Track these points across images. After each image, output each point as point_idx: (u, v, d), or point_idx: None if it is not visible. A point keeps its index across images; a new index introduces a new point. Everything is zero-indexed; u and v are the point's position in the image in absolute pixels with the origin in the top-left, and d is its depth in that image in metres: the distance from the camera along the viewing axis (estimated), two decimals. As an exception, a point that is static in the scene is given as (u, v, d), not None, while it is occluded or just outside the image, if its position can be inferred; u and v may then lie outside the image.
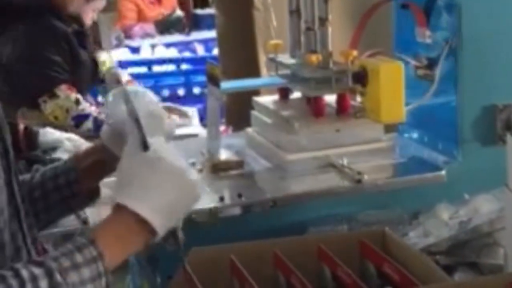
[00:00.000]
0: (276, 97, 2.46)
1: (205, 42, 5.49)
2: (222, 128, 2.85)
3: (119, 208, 1.29)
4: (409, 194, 2.19)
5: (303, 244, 1.74)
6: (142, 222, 1.28)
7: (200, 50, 5.33)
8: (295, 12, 2.38)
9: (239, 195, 2.07)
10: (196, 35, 5.94)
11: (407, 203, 2.16)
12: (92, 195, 1.66)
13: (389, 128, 2.39)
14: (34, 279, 1.16)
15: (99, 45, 5.38)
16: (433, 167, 2.25)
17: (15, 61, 3.18)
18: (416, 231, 2.02)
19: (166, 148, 1.35)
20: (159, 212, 1.29)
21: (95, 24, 6.65)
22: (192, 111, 3.47)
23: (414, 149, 2.41)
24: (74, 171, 1.62)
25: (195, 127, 3.26)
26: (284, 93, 2.44)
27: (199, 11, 6.88)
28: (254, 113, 2.46)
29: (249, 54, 3.27)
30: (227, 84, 2.35)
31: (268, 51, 2.55)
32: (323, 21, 2.26)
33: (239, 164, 2.26)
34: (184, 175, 1.32)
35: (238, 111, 2.69)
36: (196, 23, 6.55)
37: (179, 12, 6.34)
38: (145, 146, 1.34)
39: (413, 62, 2.35)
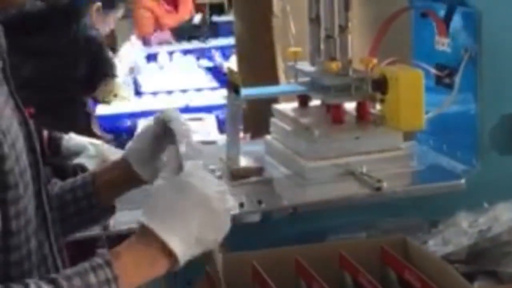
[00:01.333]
0: (295, 104, 2.47)
1: (222, 49, 5.52)
2: (240, 135, 2.86)
3: (144, 230, 1.26)
4: (428, 202, 2.19)
5: (325, 251, 1.74)
6: (167, 251, 1.25)
7: (218, 57, 5.35)
8: (315, 20, 2.39)
9: (259, 202, 2.08)
10: (214, 42, 5.97)
11: (426, 211, 2.16)
12: (108, 211, 1.66)
13: (407, 136, 2.39)
14: None
15: (114, 51, 5.41)
16: (452, 175, 2.25)
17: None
18: (435, 239, 2.02)
19: (200, 175, 1.31)
20: (186, 243, 1.26)
21: (112, 31, 6.72)
22: (210, 118, 3.48)
23: (432, 157, 2.41)
24: (91, 184, 1.62)
25: (212, 133, 3.27)
26: (304, 100, 2.45)
27: (216, 18, 6.90)
28: (274, 120, 2.47)
29: (268, 61, 3.28)
30: (247, 91, 2.36)
31: (287, 58, 2.56)
32: (343, 28, 2.27)
33: (259, 171, 2.27)
34: (213, 205, 1.29)
35: (256, 118, 2.70)
36: (213, 30, 6.58)
37: (196, 19, 6.36)
38: (180, 170, 1.32)
39: (432, 71, 2.35)
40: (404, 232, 2.12)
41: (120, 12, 4.57)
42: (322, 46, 2.38)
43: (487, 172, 2.24)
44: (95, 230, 2.00)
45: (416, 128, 2.21)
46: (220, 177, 2.26)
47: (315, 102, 2.45)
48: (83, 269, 1.20)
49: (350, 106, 2.33)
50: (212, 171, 2.30)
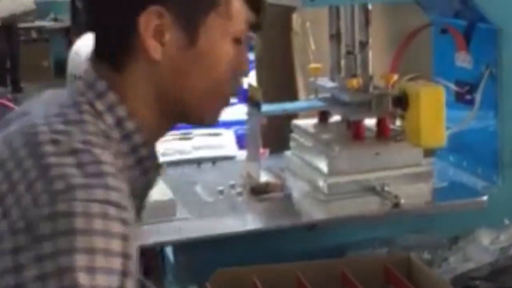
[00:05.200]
0: (315, 120, 2.47)
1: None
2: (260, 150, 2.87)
3: None
4: (449, 219, 2.19)
5: (327, 268, 1.73)
6: None
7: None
8: (335, 36, 2.39)
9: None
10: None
11: (446, 228, 2.15)
12: None
13: (427, 153, 2.39)
14: None
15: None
16: (472, 192, 2.24)
17: None
18: (456, 256, 2.01)
19: None
20: None
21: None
22: (229, 133, 3.47)
23: (453, 173, 2.40)
24: None
25: (231, 149, 3.25)
26: (324, 116, 2.45)
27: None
28: (294, 135, 2.47)
29: (287, 78, 3.28)
30: (267, 107, 2.36)
31: (308, 74, 2.56)
32: (364, 45, 2.27)
33: (279, 187, 2.27)
34: None
35: (275, 134, 2.70)
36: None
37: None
38: None
39: (452, 87, 2.35)
40: (424, 248, 2.12)
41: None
42: (342, 63, 2.38)
43: (508, 189, 2.23)
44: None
45: (437, 144, 2.20)
46: (240, 193, 2.27)
47: (335, 118, 2.45)
48: None
49: (370, 122, 2.33)
50: (232, 186, 2.31)
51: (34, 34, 12.07)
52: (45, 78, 10.42)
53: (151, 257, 3.12)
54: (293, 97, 3.21)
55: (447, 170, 2.43)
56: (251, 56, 4.27)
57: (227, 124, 3.92)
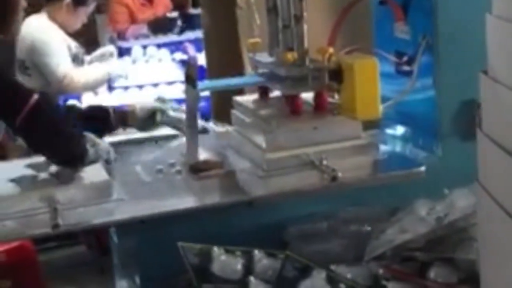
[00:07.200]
0: (256, 96, 2.45)
1: (196, 42, 5.48)
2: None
3: None
4: (389, 190, 2.18)
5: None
6: None
7: (191, 50, 5.32)
8: (272, 10, 2.36)
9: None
10: (190, 35, 5.92)
11: (387, 200, 2.15)
12: None
13: (370, 125, 2.38)
14: None
15: (97, 46, 5.39)
16: (412, 163, 2.24)
17: None
18: (393, 228, 2.01)
19: None
20: None
21: (92, 25, 6.67)
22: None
23: (394, 145, 2.40)
24: None
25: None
26: (264, 91, 2.43)
27: (192, 11, 6.85)
28: (234, 112, 2.46)
29: (234, 53, 3.26)
30: (203, 84, 2.34)
31: (248, 49, 2.54)
32: (299, 18, 2.25)
33: (218, 165, 2.25)
34: None
35: (225, 111, 2.67)
36: (190, 22, 6.52)
37: (174, 13, 6.31)
38: None
39: (392, 58, 2.34)
40: (364, 221, 2.12)
41: (91, 8, 4.56)
42: (280, 37, 2.36)
43: (448, 159, 2.24)
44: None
45: (373, 117, 2.19)
46: (179, 172, 2.25)
47: (276, 93, 2.43)
48: None
49: (309, 96, 2.32)
50: (172, 165, 2.29)
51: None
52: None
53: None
54: (241, 72, 3.19)
55: (389, 142, 2.42)
56: (199, 34, 4.25)
57: (180, 102, 3.89)
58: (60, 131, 2.08)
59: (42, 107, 2.03)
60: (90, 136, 2.17)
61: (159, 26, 6.01)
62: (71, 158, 2.11)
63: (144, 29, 5.92)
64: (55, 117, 2.11)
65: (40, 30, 4.18)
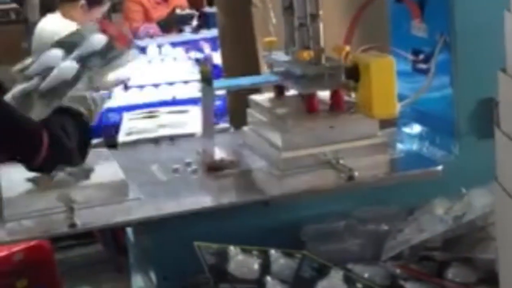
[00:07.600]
0: (272, 94, 2.45)
1: (212, 40, 5.48)
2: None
3: None
4: (406, 189, 2.17)
5: None
6: None
7: (207, 49, 5.32)
8: (288, 9, 2.36)
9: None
10: (206, 33, 5.92)
11: (404, 199, 2.14)
12: None
13: (387, 123, 2.37)
14: None
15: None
16: (429, 162, 2.23)
17: None
18: (411, 227, 2.00)
19: None
20: None
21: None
22: (195, 110, 3.44)
23: (411, 144, 2.38)
24: None
25: (192, 126, 3.22)
26: (280, 90, 2.42)
27: (207, 9, 6.86)
28: (250, 111, 2.45)
29: (249, 52, 3.25)
30: (219, 83, 2.34)
31: (263, 48, 2.53)
32: (315, 16, 2.24)
33: (234, 164, 2.25)
34: None
35: (240, 110, 2.67)
36: (206, 21, 6.53)
37: (188, 10, 6.32)
38: None
39: (409, 57, 2.33)
40: (381, 220, 2.11)
41: (106, 7, 4.59)
42: (296, 35, 2.35)
43: (465, 158, 2.22)
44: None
45: (389, 115, 2.17)
46: (195, 171, 2.25)
47: (291, 92, 2.43)
48: None
49: (326, 95, 2.31)
50: (188, 164, 2.29)
51: (12, 16, 11.99)
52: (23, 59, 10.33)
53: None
54: (256, 71, 3.18)
55: (405, 141, 2.41)
56: (215, 32, 4.24)
57: (195, 101, 3.90)
58: (70, 151, 2.08)
59: (54, 139, 2.01)
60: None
61: (172, 24, 6.02)
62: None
63: (155, 28, 5.93)
64: (65, 143, 2.08)
65: (56, 29, 4.19)
